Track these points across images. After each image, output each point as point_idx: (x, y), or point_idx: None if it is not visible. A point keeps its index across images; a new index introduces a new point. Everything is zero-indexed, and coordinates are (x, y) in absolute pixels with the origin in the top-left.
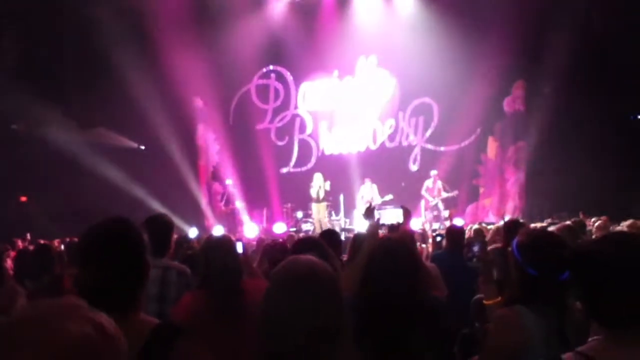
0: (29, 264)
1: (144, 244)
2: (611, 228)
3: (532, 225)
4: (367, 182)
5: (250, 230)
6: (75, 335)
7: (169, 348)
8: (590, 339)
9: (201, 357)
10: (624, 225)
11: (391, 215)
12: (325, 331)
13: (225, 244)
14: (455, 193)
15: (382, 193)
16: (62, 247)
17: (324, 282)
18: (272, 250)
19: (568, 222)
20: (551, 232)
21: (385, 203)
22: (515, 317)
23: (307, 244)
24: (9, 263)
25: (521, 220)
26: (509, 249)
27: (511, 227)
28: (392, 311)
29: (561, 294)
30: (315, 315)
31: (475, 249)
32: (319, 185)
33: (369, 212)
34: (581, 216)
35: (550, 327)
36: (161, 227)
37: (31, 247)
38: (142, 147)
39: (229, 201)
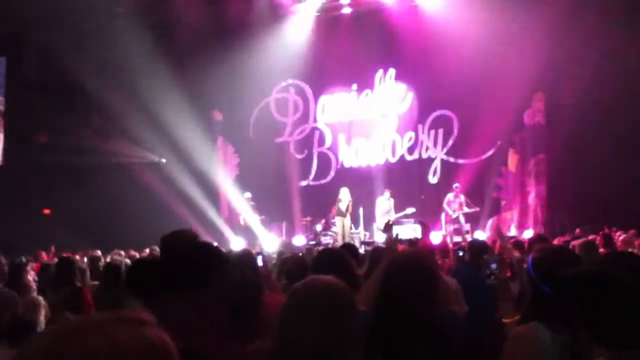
0: (53, 277)
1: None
2: (637, 242)
3: (556, 239)
4: (387, 194)
5: (270, 243)
6: (151, 343)
7: None
8: None
9: None
10: None
11: (409, 230)
12: (335, 353)
13: (245, 257)
14: (476, 209)
15: (401, 206)
16: (85, 260)
17: (340, 306)
18: (289, 265)
19: (591, 237)
20: (565, 248)
21: (404, 217)
22: (530, 334)
23: (328, 256)
24: (32, 275)
25: (544, 236)
26: (525, 265)
27: (534, 243)
28: (408, 326)
29: (575, 311)
30: (328, 339)
31: (493, 266)
32: (348, 199)
33: (387, 227)
34: (606, 230)
35: (565, 344)
36: (182, 241)
37: (52, 261)
38: (163, 160)
39: (248, 214)
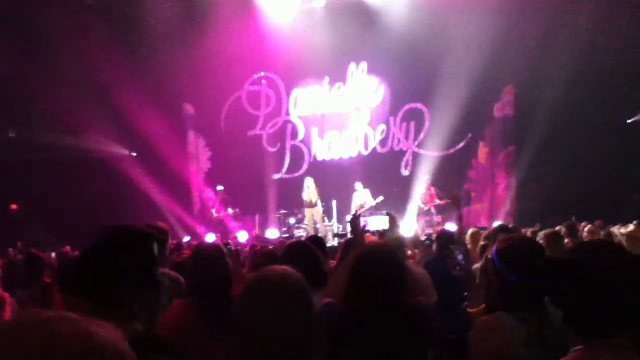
0: (19, 273)
1: (154, 256)
2: (602, 233)
3: (523, 230)
4: (359, 186)
5: (242, 236)
6: (96, 340)
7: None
8: (571, 350)
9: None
10: (615, 230)
11: (378, 222)
12: (295, 340)
13: (215, 252)
14: (448, 201)
15: (374, 197)
16: (53, 255)
17: (294, 292)
18: (258, 257)
19: (557, 228)
20: (529, 238)
21: (372, 210)
22: (496, 323)
23: (297, 249)
24: None
25: (510, 226)
26: (489, 255)
27: (498, 233)
28: (376, 316)
29: (540, 299)
30: (284, 325)
31: (459, 257)
32: (313, 189)
33: (355, 219)
34: (573, 220)
35: (530, 332)
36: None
37: (19, 257)
38: (134, 154)
39: (220, 208)
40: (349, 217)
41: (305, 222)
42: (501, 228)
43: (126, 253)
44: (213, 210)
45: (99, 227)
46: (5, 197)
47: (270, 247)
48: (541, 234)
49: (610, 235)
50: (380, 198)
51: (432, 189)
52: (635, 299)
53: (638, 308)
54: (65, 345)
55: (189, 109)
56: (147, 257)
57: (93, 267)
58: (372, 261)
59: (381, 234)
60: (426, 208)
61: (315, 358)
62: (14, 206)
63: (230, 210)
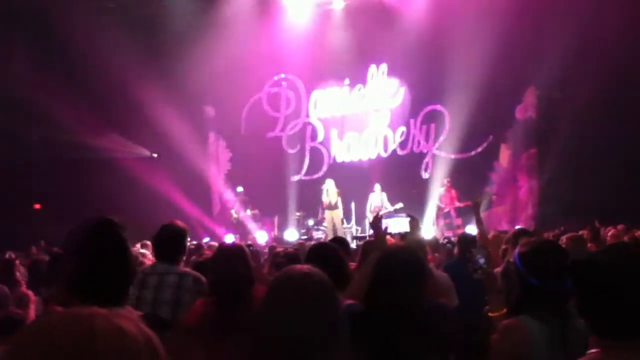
0: (44, 272)
1: (126, 241)
2: (625, 237)
3: (545, 234)
4: (377, 188)
5: (261, 237)
6: (131, 336)
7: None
8: (588, 352)
9: (190, 350)
10: None
11: (399, 224)
12: (320, 339)
13: (237, 251)
14: (468, 203)
15: (393, 201)
16: None
17: (318, 292)
18: (280, 258)
19: (580, 232)
20: (552, 241)
21: (394, 212)
22: (519, 326)
23: (320, 250)
24: (22, 270)
25: (532, 229)
26: (511, 259)
27: (518, 237)
28: (398, 318)
29: (563, 302)
30: (309, 324)
31: (481, 260)
32: (333, 191)
33: (376, 221)
34: (597, 224)
35: (554, 335)
36: (175, 235)
37: (42, 256)
38: (155, 155)
39: (240, 209)
40: (367, 220)
41: (325, 224)
42: (521, 232)
43: (117, 247)
44: (233, 211)
45: (78, 225)
46: (29, 197)
47: (291, 249)
48: (564, 238)
49: (635, 239)
50: (399, 205)
51: (453, 191)
52: None
53: None
54: (104, 342)
55: (209, 111)
56: (127, 247)
57: (93, 266)
58: (394, 263)
59: (402, 236)
60: (446, 210)
61: (339, 358)
62: (37, 206)
63: (249, 212)
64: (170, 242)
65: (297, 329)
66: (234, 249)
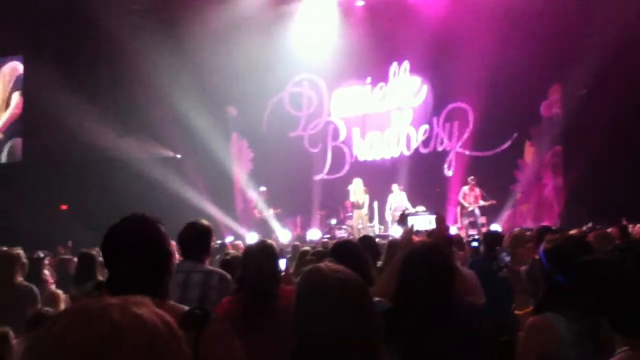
0: (74, 271)
1: (165, 235)
2: None
3: (571, 232)
4: (395, 188)
5: (284, 236)
6: (146, 320)
7: (202, 328)
8: (618, 351)
9: (231, 338)
10: None
11: (425, 221)
12: (356, 337)
13: (265, 249)
14: (493, 202)
15: (415, 199)
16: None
17: (351, 290)
18: (311, 257)
19: (609, 230)
20: (576, 237)
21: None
22: (546, 324)
23: (345, 249)
24: (49, 269)
25: (555, 227)
26: (536, 256)
27: (542, 235)
28: (427, 317)
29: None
30: (343, 323)
31: (507, 258)
32: (360, 190)
33: (403, 219)
34: (624, 222)
35: (582, 331)
36: (200, 233)
37: (68, 256)
38: (178, 156)
39: (263, 208)
40: (388, 219)
41: (351, 222)
42: (545, 229)
43: (163, 240)
44: (256, 211)
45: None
46: (56, 198)
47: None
48: (591, 235)
49: None
50: (422, 208)
51: (477, 189)
52: None
53: None
54: (127, 334)
55: (232, 111)
56: (163, 238)
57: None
58: (422, 260)
59: (429, 233)
60: (470, 209)
61: (374, 356)
62: (64, 206)
63: (271, 211)
64: (195, 240)
65: (338, 328)
66: (262, 245)
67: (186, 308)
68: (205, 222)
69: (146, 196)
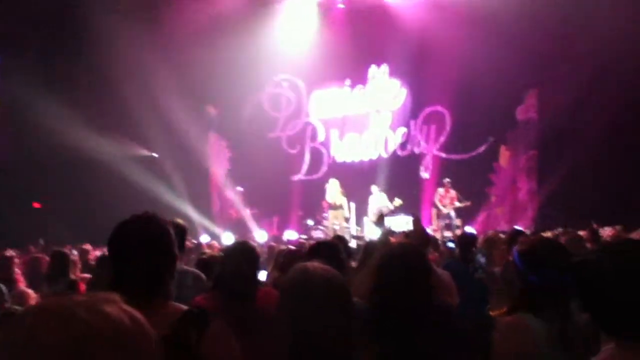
0: (46, 270)
1: (172, 237)
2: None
3: (544, 234)
4: (375, 189)
5: (260, 236)
6: (114, 318)
7: (204, 328)
8: (603, 348)
9: (230, 338)
10: (636, 237)
11: (402, 222)
12: (342, 335)
13: (245, 251)
14: (468, 203)
15: (392, 201)
16: (75, 253)
17: (337, 289)
18: (285, 257)
19: (580, 233)
20: (550, 239)
21: (396, 210)
22: (521, 324)
23: (324, 248)
24: (20, 268)
25: (529, 232)
26: (510, 258)
27: (515, 237)
28: (404, 316)
29: (564, 299)
30: (333, 321)
31: (482, 260)
32: (337, 191)
33: (380, 220)
34: (595, 225)
35: (555, 332)
36: (175, 232)
37: (40, 255)
38: (155, 155)
39: (239, 208)
40: (367, 220)
41: (326, 223)
42: (517, 232)
43: (170, 241)
44: (233, 211)
45: (125, 221)
46: (29, 196)
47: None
48: (562, 238)
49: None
50: (399, 202)
51: (452, 191)
52: None
53: None
54: (99, 335)
55: (211, 110)
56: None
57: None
58: (400, 261)
59: (406, 234)
60: (446, 211)
61: (356, 352)
62: (36, 205)
63: (248, 212)
64: None
65: (317, 324)
66: (241, 246)
67: (186, 308)
68: (179, 220)
69: (123, 195)
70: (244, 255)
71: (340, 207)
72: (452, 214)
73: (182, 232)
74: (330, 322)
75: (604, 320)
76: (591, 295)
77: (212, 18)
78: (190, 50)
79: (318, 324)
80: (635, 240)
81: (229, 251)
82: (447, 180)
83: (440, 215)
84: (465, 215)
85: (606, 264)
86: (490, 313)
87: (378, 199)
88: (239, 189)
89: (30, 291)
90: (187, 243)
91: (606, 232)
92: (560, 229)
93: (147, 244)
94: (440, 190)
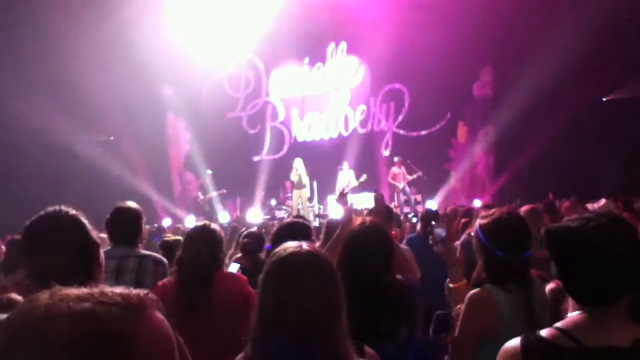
0: (1, 258)
1: (85, 227)
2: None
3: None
4: (345, 166)
5: (223, 217)
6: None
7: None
8: (568, 314)
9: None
10: (593, 207)
11: (363, 199)
12: (334, 309)
13: (206, 234)
14: (419, 173)
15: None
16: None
17: (327, 264)
18: (247, 239)
19: (537, 205)
20: (513, 214)
21: (358, 188)
22: (487, 296)
23: (295, 227)
24: None
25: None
26: (472, 232)
27: (471, 212)
28: (366, 293)
29: (526, 271)
30: (326, 296)
31: (442, 234)
32: (302, 170)
33: (342, 197)
34: (551, 197)
35: (519, 303)
36: (130, 216)
37: None
38: (111, 138)
39: (202, 190)
40: (332, 198)
41: (291, 202)
42: (470, 209)
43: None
44: (199, 193)
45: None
46: None
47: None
48: (520, 210)
49: (587, 212)
50: (364, 177)
51: (403, 167)
52: (636, 264)
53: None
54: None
55: (167, 91)
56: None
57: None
58: (364, 239)
59: (370, 211)
60: (401, 186)
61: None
62: None
63: (214, 193)
64: (123, 224)
65: (320, 302)
66: (201, 229)
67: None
68: (132, 204)
69: (78, 181)
70: (204, 238)
71: (305, 186)
72: (407, 188)
73: (136, 216)
74: (311, 300)
75: (576, 288)
76: (566, 262)
77: None
78: (145, 29)
79: (308, 299)
80: (607, 212)
81: (190, 234)
82: (397, 158)
83: (398, 192)
84: (426, 191)
85: (588, 232)
86: (451, 285)
87: (347, 175)
88: (209, 172)
89: None
90: (147, 227)
91: (563, 204)
92: (517, 202)
93: (60, 240)
94: (393, 168)
